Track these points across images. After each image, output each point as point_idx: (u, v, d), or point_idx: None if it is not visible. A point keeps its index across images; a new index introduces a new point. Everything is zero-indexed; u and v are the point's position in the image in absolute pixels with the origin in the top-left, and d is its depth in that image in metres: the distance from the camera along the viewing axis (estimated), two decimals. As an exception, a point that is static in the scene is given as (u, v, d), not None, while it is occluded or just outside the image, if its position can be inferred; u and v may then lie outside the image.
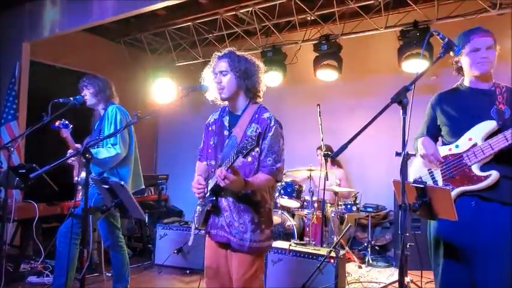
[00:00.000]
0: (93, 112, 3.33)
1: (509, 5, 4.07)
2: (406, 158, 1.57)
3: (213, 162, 2.13)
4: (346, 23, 5.07)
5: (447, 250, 2.03)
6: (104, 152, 2.96)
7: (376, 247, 4.97)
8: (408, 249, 3.17)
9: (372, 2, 4.68)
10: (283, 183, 4.60)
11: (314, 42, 5.23)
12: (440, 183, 2.07)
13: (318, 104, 4.47)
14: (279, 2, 4.81)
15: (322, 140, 4.48)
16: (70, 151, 2.97)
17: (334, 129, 4.87)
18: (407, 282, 3.43)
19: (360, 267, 4.48)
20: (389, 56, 4.90)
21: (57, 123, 2.96)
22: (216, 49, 2.30)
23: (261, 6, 4.96)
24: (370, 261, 4.62)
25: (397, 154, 1.65)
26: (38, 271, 3.91)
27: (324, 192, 4.19)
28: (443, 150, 2.10)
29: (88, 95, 3.17)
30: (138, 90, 6.50)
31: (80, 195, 3.21)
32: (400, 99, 1.56)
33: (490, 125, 1.98)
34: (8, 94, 4.92)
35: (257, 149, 1.90)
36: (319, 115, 4.43)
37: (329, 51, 5.08)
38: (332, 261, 3.29)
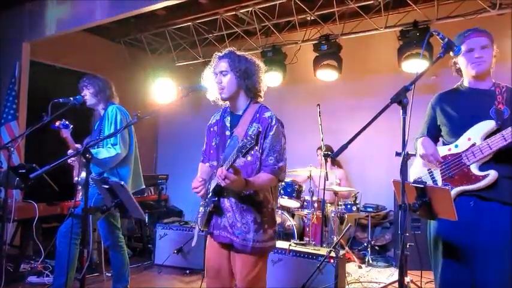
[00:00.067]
0: (93, 112, 3.33)
1: (509, 5, 4.07)
2: (406, 158, 1.57)
3: (215, 163, 2.13)
4: (346, 23, 5.07)
5: (446, 250, 2.03)
6: (104, 152, 2.96)
7: (376, 247, 4.97)
8: (408, 249, 3.18)
9: (372, 2, 4.68)
10: (283, 183, 4.60)
11: (314, 42, 5.23)
12: (439, 183, 2.08)
13: (318, 104, 4.47)
14: (279, 2, 4.82)
15: (322, 140, 4.48)
16: (70, 151, 2.97)
17: (334, 129, 4.87)
18: (407, 282, 3.43)
19: (359, 267, 4.48)
20: (389, 56, 4.90)
21: (57, 124, 2.96)
22: (216, 49, 2.30)
23: (261, 6, 4.97)
24: (370, 261, 4.62)
25: (397, 154, 1.65)
26: (38, 271, 3.91)
27: (324, 192, 4.19)
28: (443, 150, 2.11)
29: (88, 95, 3.17)
30: (138, 90, 6.51)
31: (80, 195, 3.21)
32: (400, 99, 1.56)
33: (488, 124, 1.98)
34: (8, 94, 4.92)
35: (257, 147, 1.89)
36: (319, 115, 4.43)
37: (329, 51, 5.09)
38: (332, 261, 3.29)
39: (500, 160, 1.96)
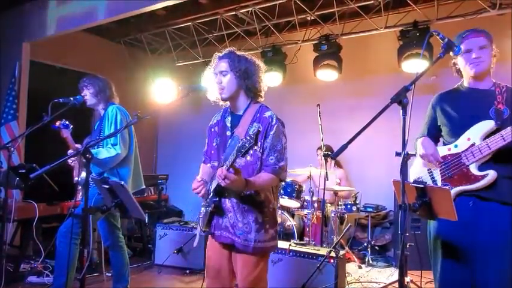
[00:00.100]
0: (93, 112, 3.34)
1: (509, 5, 4.07)
2: (406, 158, 1.57)
3: (216, 164, 2.13)
4: (346, 23, 5.07)
5: (446, 250, 2.04)
6: (104, 152, 2.96)
7: (376, 247, 4.97)
8: (408, 249, 3.18)
9: (372, 2, 4.68)
10: (283, 183, 4.60)
11: (314, 42, 5.23)
12: (439, 183, 2.08)
13: (318, 104, 4.47)
14: (279, 2, 4.82)
15: (322, 140, 4.48)
16: (70, 151, 2.97)
17: (334, 129, 4.87)
18: (407, 282, 3.44)
19: (359, 267, 4.48)
20: (389, 56, 4.90)
21: (57, 124, 2.96)
22: (216, 49, 2.30)
23: (261, 6, 4.97)
24: (370, 261, 4.62)
25: (397, 154, 1.65)
26: (38, 271, 3.91)
27: (324, 192, 4.19)
28: (443, 150, 2.11)
29: (88, 95, 3.17)
30: (138, 90, 6.51)
31: (80, 195, 3.21)
32: (400, 99, 1.57)
33: (488, 124, 1.98)
34: (8, 94, 4.92)
35: (256, 147, 1.89)
36: (319, 115, 4.44)
37: (329, 51, 5.09)
38: (332, 261, 3.29)
39: (499, 160, 1.96)
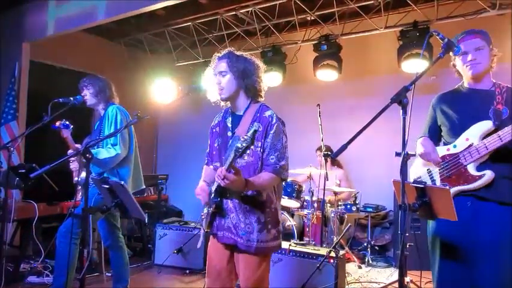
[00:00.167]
0: (93, 112, 3.34)
1: (509, 5, 4.07)
2: (406, 158, 1.57)
3: (218, 164, 2.12)
4: (346, 23, 5.07)
5: (444, 250, 2.04)
6: (104, 153, 2.96)
7: (376, 247, 4.97)
8: (408, 249, 3.18)
9: (372, 2, 4.68)
10: (283, 183, 4.59)
11: (314, 42, 5.23)
12: (438, 182, 2.09)
13: (318, 104, 4.47)
14: (279, 2, 4.82)
15: (322, 140, 4.48)
16: (70, 151, 2.97)
17: (334, 129, 4.87)
18: (407, 282, 3.43)
19: (359, 267, 4.48)
20: (389, 56, 4.90)
21: (57, 124, 2.96)
22: (216, 49, 2.30)
23: (261, 6, 4.97)
24: (370, 261, 4.62)
25: (397, 154, 1.65)
26: (38, 271, 3.92)
27: (324, 192, 4.20)
28: (442, 150, 2.12)
29: (88, 95, 3.17)
30: (138, 90, 6.50)
31: (79, 195, 3.21)
32: (400, 99, 1.57)
33: (486, 125, 1.99)
34: (8, 94, 4.92)
35: (253, 146, 1.89)
36: (319, 115, 4.44)
37: (329, 51, 5.09)
38: (332, 261, 3.29)
39: (497, 160, 1.96)
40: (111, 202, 2.34)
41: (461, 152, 2.03)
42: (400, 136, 1.55)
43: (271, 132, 2.02)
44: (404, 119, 1.56)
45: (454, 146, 2.07)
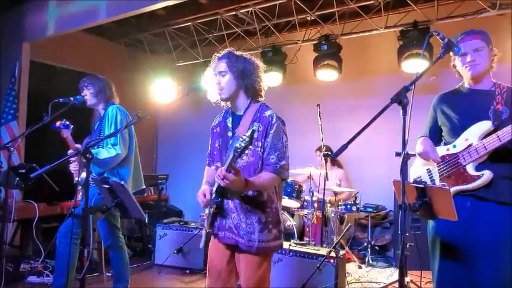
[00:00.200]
0: (93, 112, 3.35)
1: (509, 5, 4.07)
2: (406, 158, 1.57)
3: (219, 165, 2.12)
4: (346, 23, 5.07)
5: (444, 250, 2.04)
6: (104, 153, 2.96)
7: (376, 247, 4.97)
8: (408, 249, 3.18)
9: (372, 2, 4.68)
10: (283, 183, 4.59)
11: (314, 42, 5.24)
12: (437, 182, 2.09)
13: (318, 104, 4.47)
14: (279, 2, 4.82)
15: (322, 140, 4.48)
16: (70, 151, 2.97)
17: (334, 129, 4.87)
18: (407, 282, 3.44)
19: (359, 267, 4.48)
20: (389, 56, 4.91)
21: (58, 124, 2.96)
22: (216, 49, 2.30)
23: (261, 6, 4.97)
24: (370, 261, 4.62)
25: (397, 154, 1.65)
26: (38, 271, 3.92)
27: (324, 192, 4.20)
28: (442, 150, 2.12)
29: (88, 95, 3.17)
30: (138, 91, 6.51)
31: (79, 195, 3.21)
32: (400, 99, 1.57)
33: (485, 125, 1.99)
34: (8, 94, 4.92)
35: (251, 146, 1.89)
36: (319, 115, 4.44)
37: (329, 51, 5.09)
38: (332, 261, 3.29)
39: (496, 160, 1.96)
40: (111, 202, 2.34)
41: (460, 152, 2.04)
42: (400, 136, 1.55)
43: (272, 131, 2.02)
44: (404, 119, 1.56)
45: (454, 146, 2.08)
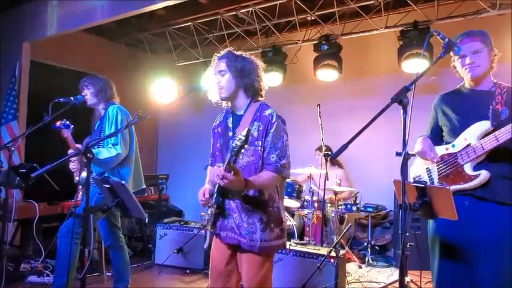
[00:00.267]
0: (94, 112, 3.35)
1: (509, 5, 4.07)
2: (407, 157, 1.58)
3: (221, 165, 2.12)
4: (346, 23, 5.08)
5: (443, 249, 2.05)
6: (104, 152, 2.96)
7: (376, 247, 4.97)
8: (408, 249, 3.18)
9: (372, 2, 4.68)
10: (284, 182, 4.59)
11: (314, 42, 5.24)
12: (436, 181, 2.10)
13: (318, 104, 4.48)
14: (279, 2, 4.82)
15: (323, 140, 4.49)
16: (70, 151, 2.97)
17: (334, 129, 4.87)
18: (407, 282, 3.44)
19: (359, 267, 4.48)
20: (389, 56, 4.91)
21: (58, 124, 2.96)
22: (216, 49, 2.30)
23: (261, 6, 4.97)
24: (370, 261, 4.63)
25: (397, 154, 1.65)
26: (38, 271, 3.92)
27: (324, 192, 4.20)
28: (441, 150, 2.13)
29: (88, 94, 3.18)
30: (138, 90, 6.50)
31: (80, 195, 3.21)
32: (400, 99, 1.57)
33: (484, 125, 1.99)
34: (8, 94, 4.93)
35: (247, 145, 1.90)
36: (319, 115, 4.44)
37: (329, 51, 5.09)
38: (332, 261, 3.29)
39: (494, 160, 1.97)
40: (112, 202, 2.34)
41: (459, 151, 2.05)
42: (400, 136, 1.56)
43: (272, 130, 2.02)
44: (404, 118, 1.56)
45: (453, 146, 2.09)
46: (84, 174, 2.88)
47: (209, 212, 2.13)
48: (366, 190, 5.01)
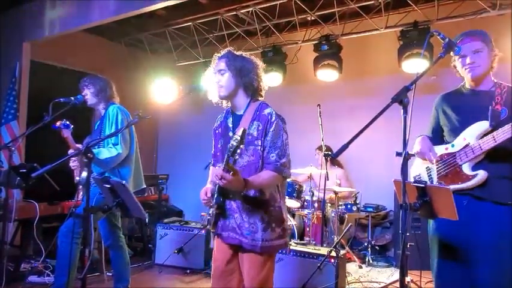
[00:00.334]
0: (94, 112, 3.34)
1: (509, 5, 4.07)
2: (407, 157, 1.58)
3: (221, 165, 2.13)
4: (346, 23, 5.08)
5: (442, 249, 2.05)
6: (105, 152, 2.96)
7: (376, 247, 4.97)
8: (408, 249, 3.18)
9: (372, 2, 4.68)
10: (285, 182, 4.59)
11: (314, 42, 5.24)
12: (435, 180, 2.11)
13: (318, 104, 4.48)
14: (279, 2, 4.82)
15: (323, 140, 4.49)
16: (71, 151, 2.97)
17: (334, 129, 4.87)
18: (407, 282, 3.44)
19: (360, 267, 4.48)
20: (389, 56, 4.91)
21: (58, 124, 2.96)
22: (216, 49, 2.31)
23: (262, 6, 4.97)
24: (371, 261, 4.63)
25: (398, 154, 1.65)
26: (39, 271, 3.92)
27: (324, 192, 4.20)
28: (440, 150, 2.13)
29: (89, 94, 3.18)
30: (138, 90, 6.50)
31: (80, 195, 3.21)
32: (400, 98, 1.57)
33: (483, 125, 2.00)
34: (9, 94, 4.93)
35: (242, 146, 1.90)
36: (320, 115, 4.44)
37: (329, 51, 5.09)
38: (332, 261, 3.29)
39: (493, 160, 1.97)
40: (112, 201, 2.34)
41: (458, 151, 2.05)
42: (401, 136, 1.56)
43: (271, 130, 2.02)
44: (405, 118, 1.56)
45: (452, 146, 2.09)
46: (84, 174, 2.88)
47: (210, 212, 2.13)
48: (366, 190, 5.01)
